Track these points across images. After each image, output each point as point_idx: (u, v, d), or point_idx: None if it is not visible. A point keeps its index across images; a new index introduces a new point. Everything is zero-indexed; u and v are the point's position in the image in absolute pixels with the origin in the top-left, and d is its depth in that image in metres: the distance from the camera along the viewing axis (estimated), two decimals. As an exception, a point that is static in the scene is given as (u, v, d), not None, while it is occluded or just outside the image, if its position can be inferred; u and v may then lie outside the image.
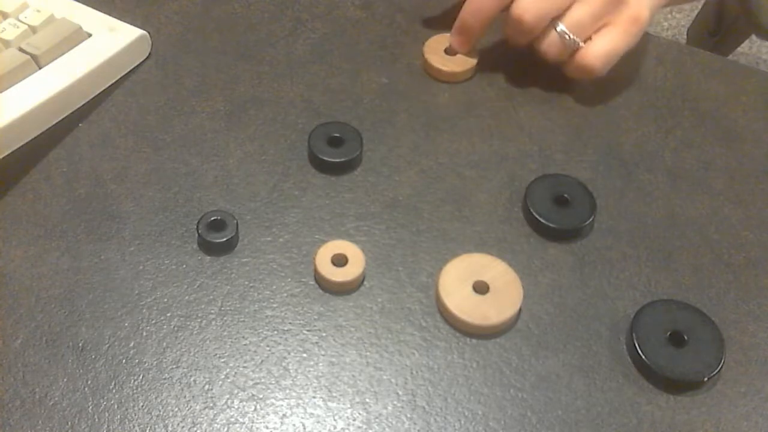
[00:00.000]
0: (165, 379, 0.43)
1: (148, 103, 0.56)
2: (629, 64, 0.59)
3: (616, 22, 0.55)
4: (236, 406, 0.42)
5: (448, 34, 0.60)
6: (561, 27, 0.55)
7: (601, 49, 0.55)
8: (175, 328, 0.45)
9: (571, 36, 0.55)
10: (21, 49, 0.53)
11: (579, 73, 0.57)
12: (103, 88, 0.56)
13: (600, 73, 0.56)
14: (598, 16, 0.55)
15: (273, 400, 0.43)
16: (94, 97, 0.55)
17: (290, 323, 0.46)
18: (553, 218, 0.50)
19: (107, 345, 0.44)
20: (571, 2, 0.55)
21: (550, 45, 0.56)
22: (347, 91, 0.58)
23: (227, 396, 0.43)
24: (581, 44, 0.55)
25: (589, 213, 0.50)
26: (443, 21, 0.62)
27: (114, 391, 0.42)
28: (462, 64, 0.59)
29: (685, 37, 1.16)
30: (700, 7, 1.15)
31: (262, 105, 0.56)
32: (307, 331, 0.45)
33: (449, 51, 0.59)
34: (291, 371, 0.44)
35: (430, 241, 0.50)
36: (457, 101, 0.58)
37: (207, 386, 0.43)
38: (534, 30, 0.55)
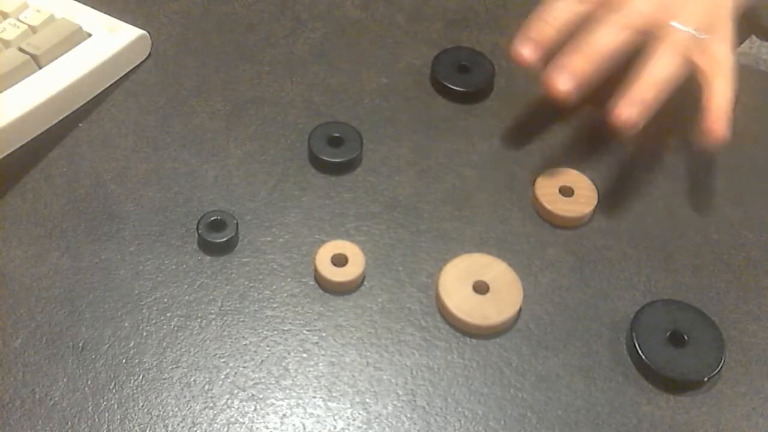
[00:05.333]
0: (165, 379, 0.43)
1: (148, 103, 0.56)
2: (630, 64, 0.59)
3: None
4: (236, 406, 0.42)
5: (559, 169, 0.52)
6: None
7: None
8: (175, 328, 0.45)
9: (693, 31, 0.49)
10: (21, 49, 0.53)
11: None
12: (103, 88, 0.56)
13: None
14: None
15: (273, 400, 0.43)
16: (94, 97, 0.55)
17: (290, 323, 0.46)
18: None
19: (107, 345, 0.44)
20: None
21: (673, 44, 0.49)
22: (347, 91, 0.58)
23: (227, 396, 0.43)
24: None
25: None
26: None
27: (114, 391, 0.42)
28: (583, 207, 0.51)
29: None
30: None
31: (262, 105, 0.56)
32: (307, 331, 0.45)
33: (564, 190, 0.52)
34: (291, 371, 0.44)
35: (430, 241, 0.50)
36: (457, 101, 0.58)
37: (207, 386, 0.43)
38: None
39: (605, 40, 0.49)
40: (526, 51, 0.49)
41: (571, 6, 0.50)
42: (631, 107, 0.47)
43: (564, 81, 0.48)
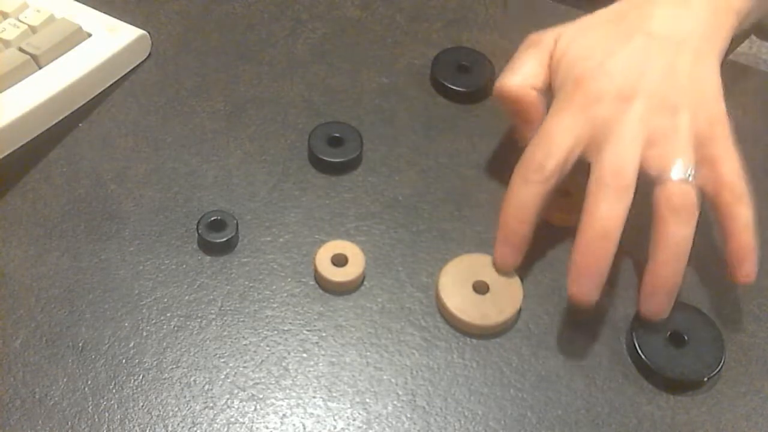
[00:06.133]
0: (165, 379, 0.43)
1: (148, 103, 0.56)
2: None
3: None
4: (236, 406, 0.42)
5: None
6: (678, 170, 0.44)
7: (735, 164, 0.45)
8: (175, 328, 0.45)
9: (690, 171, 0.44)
10: (21, 49, 0.53)
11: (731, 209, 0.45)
12: (103, 88, 0.56)
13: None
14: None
15: (273, 400, 0.43)
16: (94, 97, 0.55)
17: (290, 323, 0.46)
18: None
19: (107, 345, 0.44)
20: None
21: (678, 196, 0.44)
22: (347, 91, 0.58)
23: (227, 396, 0.43)
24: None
25: None
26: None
27: (114, 391, 0.42)
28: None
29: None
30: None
31: (262, 105, 0.56)
32: (307, 331, 0.45)
33: (563, 191, 0.49)
34: (291, 371, 0.44)
35: (430, 241, 0.50)
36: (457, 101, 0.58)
37: (207, 386, 0.43)
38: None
39: (610, 219, 0.43)
40: (510, 261, 0.46)
41: (538, 188, 0.44)
42: (659, 304, 0.44)
43: (590, 290, 0.43)
